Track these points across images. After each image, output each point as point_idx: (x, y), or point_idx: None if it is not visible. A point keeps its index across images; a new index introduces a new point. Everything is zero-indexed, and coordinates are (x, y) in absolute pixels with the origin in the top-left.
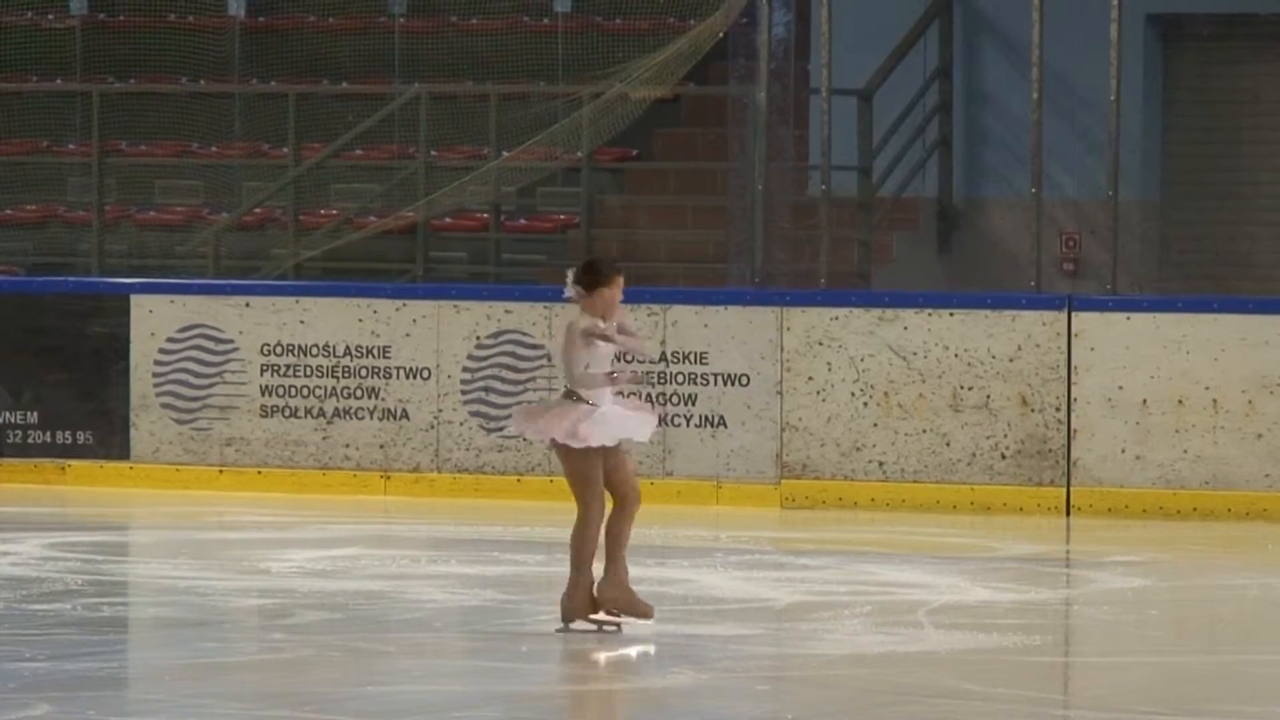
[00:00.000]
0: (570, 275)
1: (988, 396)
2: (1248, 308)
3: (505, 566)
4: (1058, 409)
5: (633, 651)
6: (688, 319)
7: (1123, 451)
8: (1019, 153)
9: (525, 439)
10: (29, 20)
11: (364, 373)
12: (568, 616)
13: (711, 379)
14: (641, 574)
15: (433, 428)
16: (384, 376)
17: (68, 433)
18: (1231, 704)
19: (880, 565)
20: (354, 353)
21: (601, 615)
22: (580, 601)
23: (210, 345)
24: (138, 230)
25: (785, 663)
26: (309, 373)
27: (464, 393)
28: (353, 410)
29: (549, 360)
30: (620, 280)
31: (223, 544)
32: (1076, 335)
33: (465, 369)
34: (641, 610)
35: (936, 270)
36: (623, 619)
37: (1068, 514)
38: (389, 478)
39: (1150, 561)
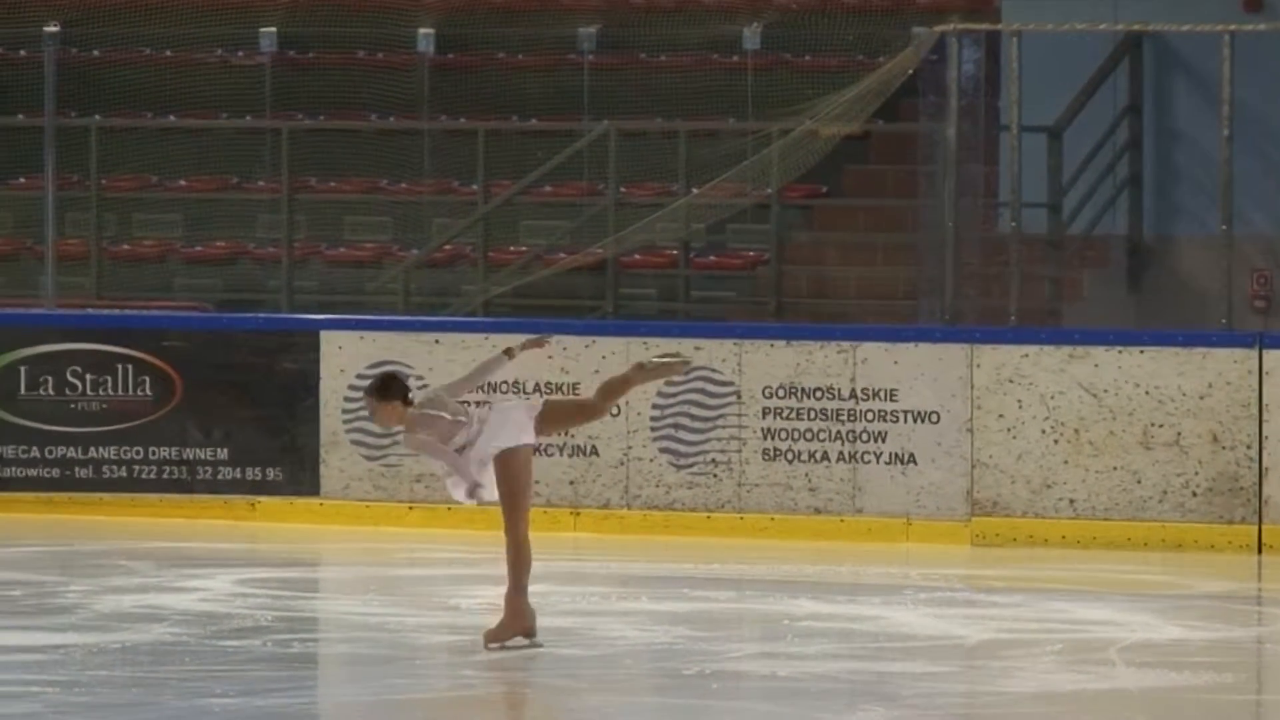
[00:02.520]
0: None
1: (1178, 434)
2: None
3: (695, 603)
4: (1249, 446)
5: (822, 688)
6: (877, 356)
7: None
8: (1209, 189)
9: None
10: (219, 58)
11: None
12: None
13: (901, 416)
14: (833, 610)
15: (622, 464)
16: None
17: (257, 469)
18: None
19: (1071, 603)
20: (543, 389)
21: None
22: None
23: None
24: (327, 267)
25: (976, 700)
26: None
27: (653, 429)
28: (543, 447)
29: (739, 397)
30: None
31: (412, 580)
32: (1268, 373)
33: (655, 405)
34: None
35: (1127, 307)
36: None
37: (1259, 551)
38: (579, 514)
39: None
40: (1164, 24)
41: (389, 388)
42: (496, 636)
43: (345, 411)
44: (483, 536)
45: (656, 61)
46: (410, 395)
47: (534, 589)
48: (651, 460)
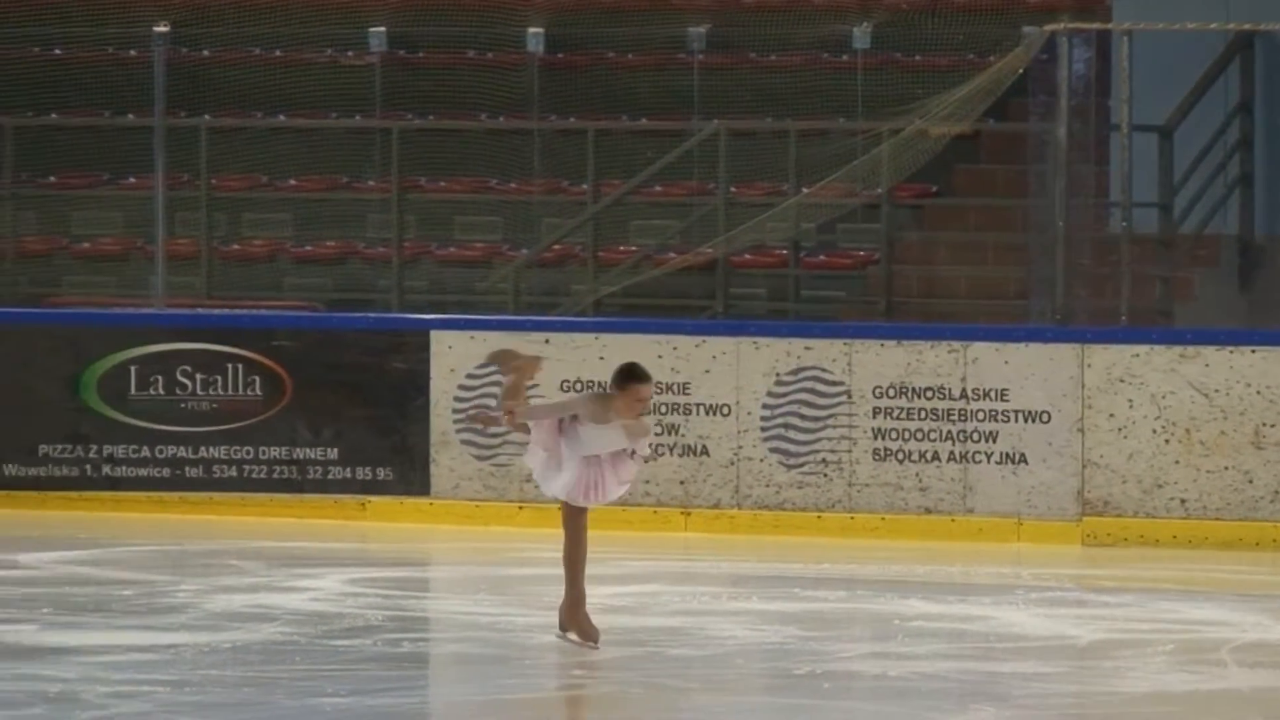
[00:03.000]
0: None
1: None
2: None
3: (806, 603)
4: None
5: (932, 688)
6: (988, 356)
7: None
8: None
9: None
10: (329, 58)
11: (664, 409)
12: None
13: (1012, 416)
14: (943, 610)
15: (733, 464)
16: (684, 413)
17: (368, 469)
18: None
19: (1182, 603)
20: (654, 389)
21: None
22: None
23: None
24: (437, 266)
25: (1087, 700)
26: None
27: (764, 429)
28: (653, 446)
29: (849, 397)
30: (640, 390)
31: (522, 580)
32: None
33: (765, 405)
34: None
35: (1238, 307)
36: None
37: None
38: (689, 514)
39: None
40: (1275, 23)
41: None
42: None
43: (455, 411)
44: (594, 536)
45: (766, 61)
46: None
47: (645, 588)
48: (762, 460)
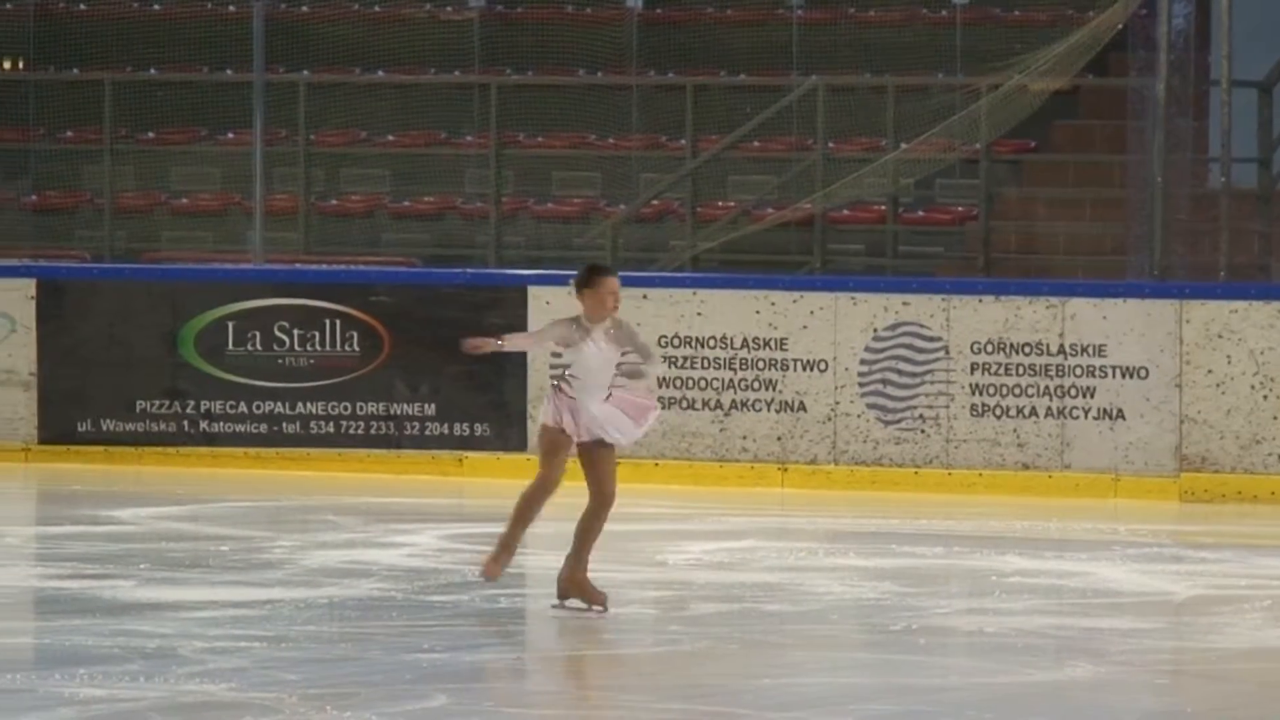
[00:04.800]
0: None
1: None
2: None
3: (902, 559)
4: None
5: (1028, 644)
6: (1086, 312)
7: None
8: None
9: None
10: (427, 13)
11: (761, 365)
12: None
13: (1110, 371)
14: (1040, 566)
15: (830, 420)
16: (781, 368)
17: (465, 425)
18: None
19: None
20: (751, 345)
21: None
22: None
23: None
24: (535, 222)
25: (1184, 656)
26: (706, 365)
27: (861, 385)
28: (750, 402)
29: (946, 352)
30: (607, 282)
31: (619, 536)
32: None
33: (863, 361)
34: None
35: None
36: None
37: None
38: (786, 470)
39: None
40: None
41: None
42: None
43: (552, 367)
44: (690, 492)
45: (865, 16)
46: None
47: (741, 544)
48: (859, 416)
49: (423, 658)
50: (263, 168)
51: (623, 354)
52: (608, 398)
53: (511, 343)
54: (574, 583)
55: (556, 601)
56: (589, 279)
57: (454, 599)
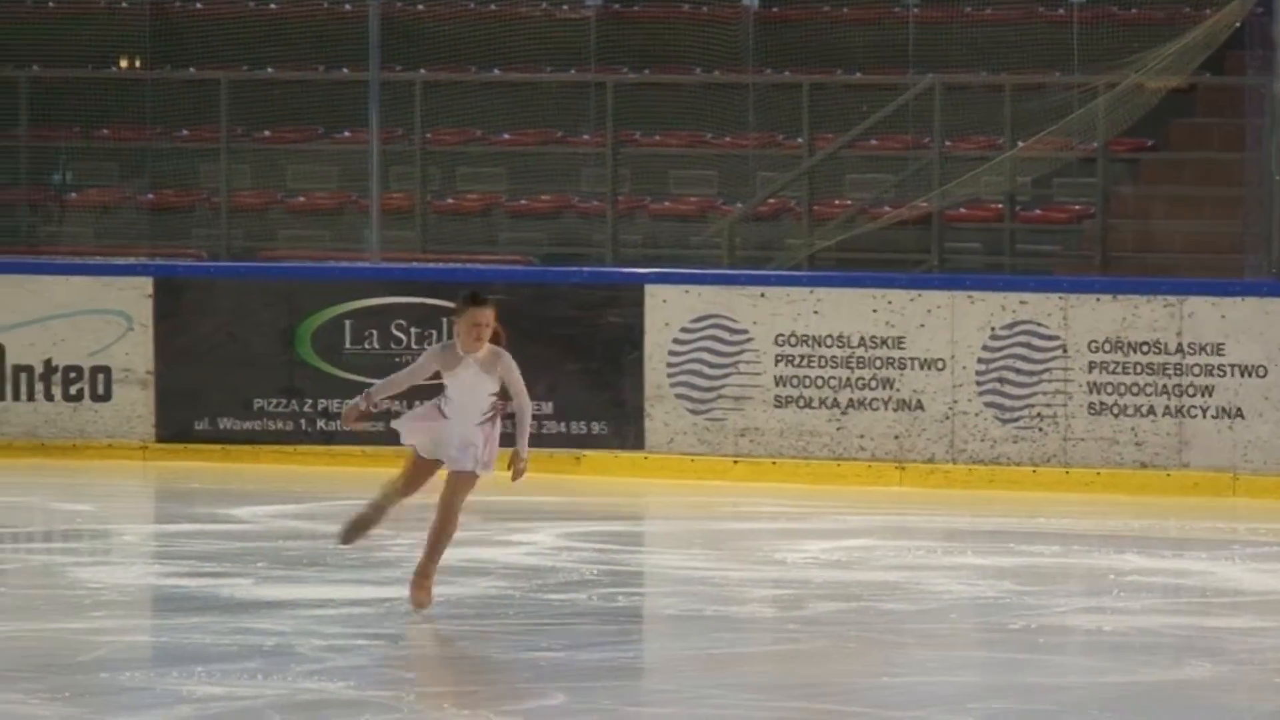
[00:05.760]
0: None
1: None
2: None
3: (1020, 558)
4: None
5: (1147, 643)
6: (1204, 310)
7: None
8: None
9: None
10: (543, 11)
11: (878, 363)
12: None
13: (1228, 370)
14: (1159, 565)
15: (947, 418)
16: (898, 367)
17: (582, 423)
18: None
19: None
20: (868, 343)
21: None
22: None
23: (725, 335)
24: (651, 220)
25: None
26: (823, 363)
27: (979, 383)
28: (867, 401)
29: (1064, 351)
30: (476, 314)
31: (737, 534)
32: None
33: (980, 359)
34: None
35: None
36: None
37: None
38: (903, 468)
39: None
40: None
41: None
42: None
43: (670, 365)
44: (808, 491)
45: (982, 14)
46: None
47: (859, 543)
48: (977, 414)
49: (540, 656)
50: (379, 166)
51: (494, 392)
52: (480, 424)
53: (381, 393)
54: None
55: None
56: (463, 308)
57: (571, 597)
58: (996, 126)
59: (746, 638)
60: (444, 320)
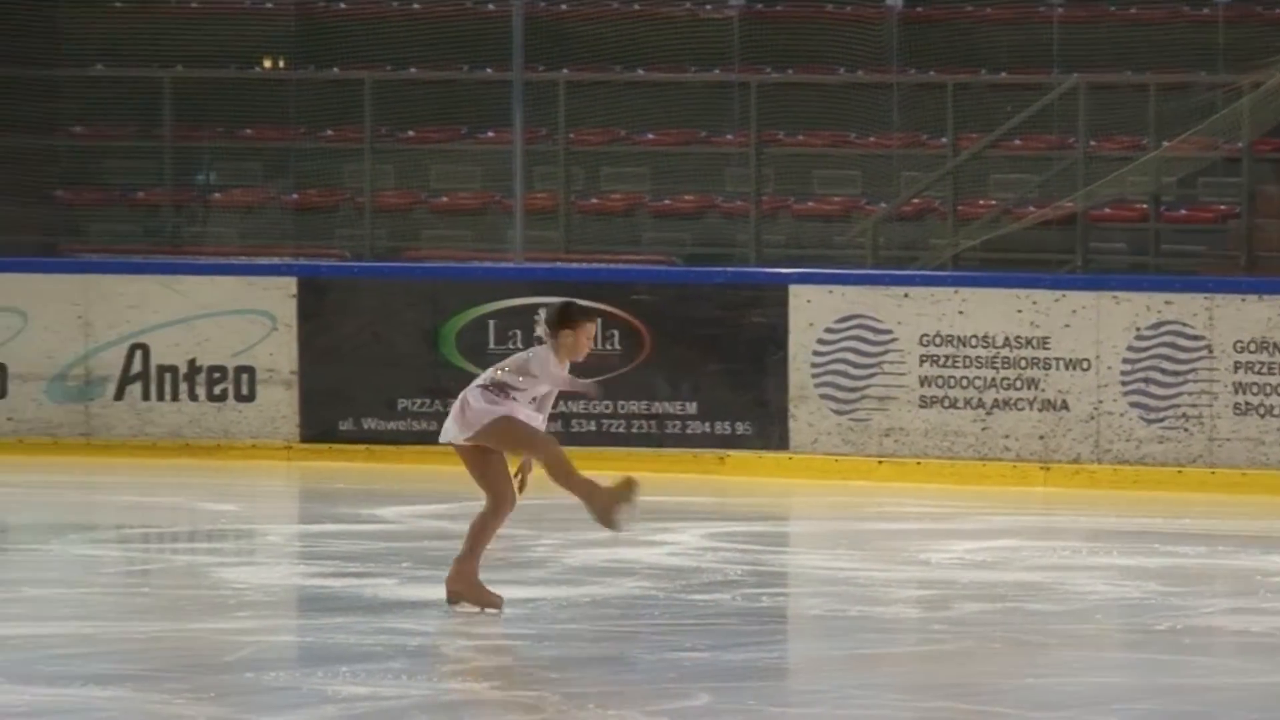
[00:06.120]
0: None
1: None
2: None
3: (1166, 558)
4: None
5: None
6: None
7: None
8: None
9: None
10: (687, 11)
11: (1023, 363)
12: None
13: None
14: None
15: (1093, 419)
16: (1043, 367)
17: (726, 423)
18: None
19: None
20: (1013, 343)
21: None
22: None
23: (869, 336)
24: (795, 220)
25: None
26: (967, 363)
27: (1124, 384)
28: (1012, 401)
29: (1210, 351)
30: (591, 327)
31: (881, 535)
32: None
33: (1125, 360)
34: (489, 600)
35: None
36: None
37: None
38: (1048, 469)
39: None
40: None
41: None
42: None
43: (814, 366)
44: (953, 491)
45: (1126, 14)
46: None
47: (1005, 543)
48: (1122, 415)
49: (685, 656)
50: (523, 166)
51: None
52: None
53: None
54: (465, 585)
55: (448, 607)
56: (580, 320)
57: (716, 598)
58: (1141, 126)
59: (891, 638)
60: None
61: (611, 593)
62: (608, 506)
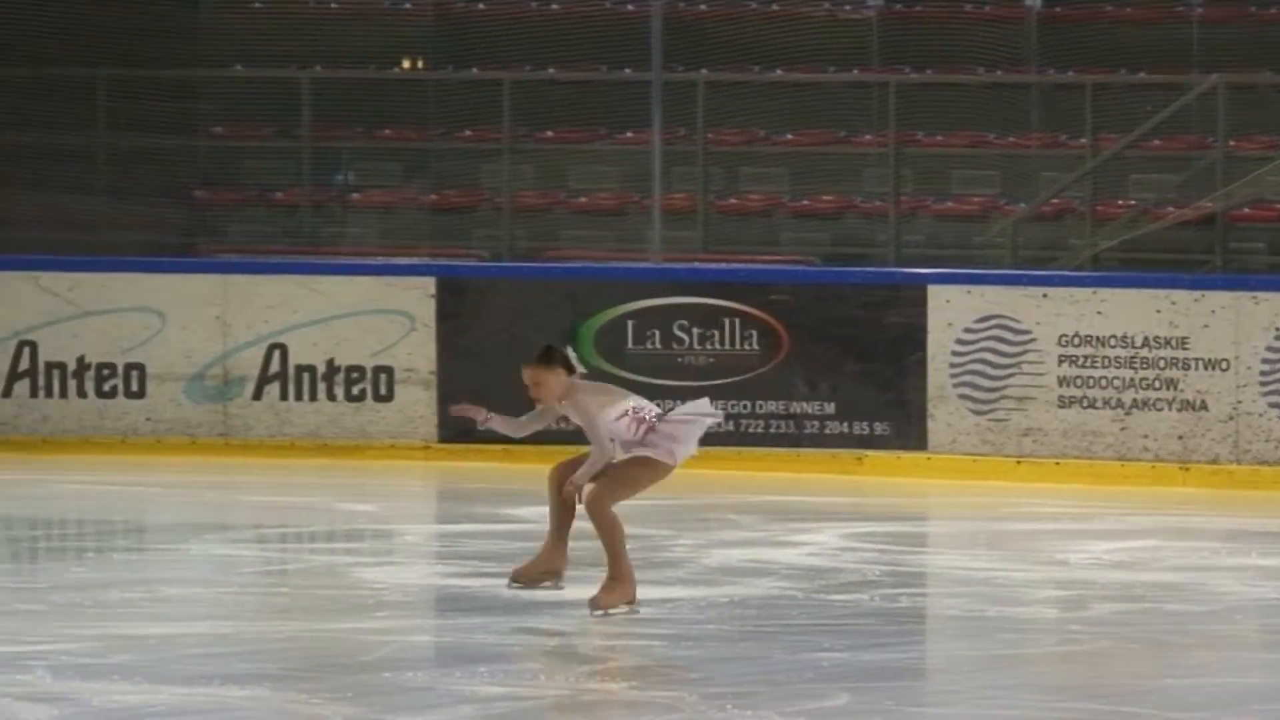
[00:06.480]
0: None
1: None
2: None
3: None
4: None
5: None
6: None
7: None
8: None
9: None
10: (826, 11)
11: (1162, 364)
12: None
13: None
14: None
15: (1232, 419)
16: (1182, 368)
17: (865, 423)
18: None
19: None
20: (1152, 344)
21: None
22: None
23: (1008, 336)
24: (934, 220)
25: None
26: (1106, 364)
27: (1263, 384)
28: (1151, 401)
29: None
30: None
31: (1019, 535)
32: None
33: (1265, 360)
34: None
35: None
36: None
37: None
38: (1187, 469)
39: None
40: None
41: (551, 356)
42: (602, 603)
43: (953, 366)
44: (1091, 491)
45: (1267, 14)
46: (573, 365)
47: (1143, 544)
48: (1261, 415)
49: (822, 657)
50: (661, 166)
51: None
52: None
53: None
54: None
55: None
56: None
57: (854, 598)
58: None
59: (1029, 639)
60: (725, 321)
61: (749, 593)
62: (617, 596)
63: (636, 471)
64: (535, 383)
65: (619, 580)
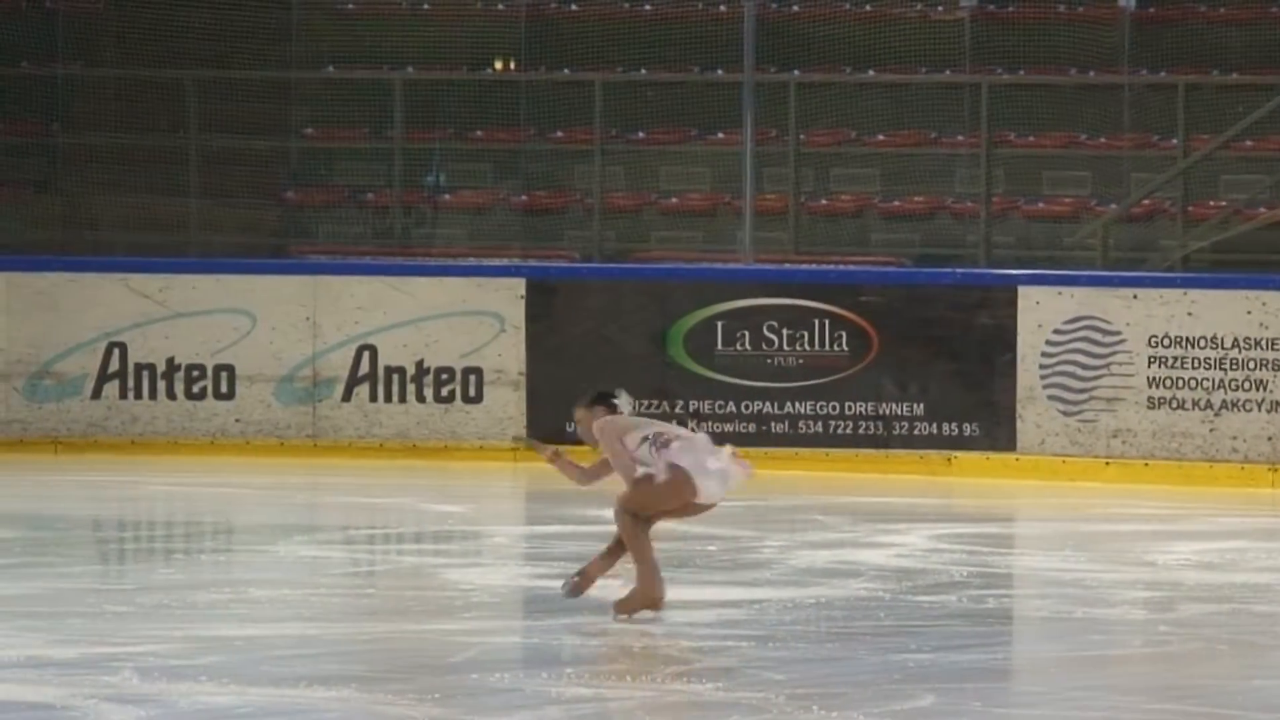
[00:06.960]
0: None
1: None
2: None
3: None
4: None
5: None
6: None
7: None
8: None
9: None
10: (919, 13)
11: (1252, 365)
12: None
13: None
14: None
15: None
16: (1273, 369)
17: (954, 424)
18: None
19: None
20: (1242, 345)
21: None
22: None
23: (1098, 337)
24: (1025, 221)
25: None
26: (1196, 365)
27: None
28: (1241, 403)
29: None
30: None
31: (1108, 536)
32: None
33: None
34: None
35: None
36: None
37: None
38: (1276, 470)
39: None
40: None
41: (591, 398)
42: (625, 607)
43: (1043, 367)
44: (1180, 492)
45: None
46: (615, 405)
47: (1232, 545)
48: None
49: (910, 658)
50: (753, 167)
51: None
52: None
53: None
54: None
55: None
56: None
57: (941, 599)
58: None
59: (1117, 640)
60: (815, 322)
61: (837, 594)
62: (642, 600)
63: (649, 488)
64: (577, 422)
65: (640, 584)
